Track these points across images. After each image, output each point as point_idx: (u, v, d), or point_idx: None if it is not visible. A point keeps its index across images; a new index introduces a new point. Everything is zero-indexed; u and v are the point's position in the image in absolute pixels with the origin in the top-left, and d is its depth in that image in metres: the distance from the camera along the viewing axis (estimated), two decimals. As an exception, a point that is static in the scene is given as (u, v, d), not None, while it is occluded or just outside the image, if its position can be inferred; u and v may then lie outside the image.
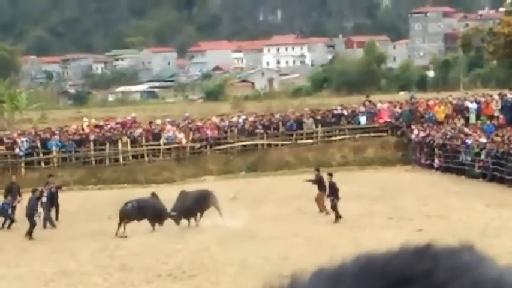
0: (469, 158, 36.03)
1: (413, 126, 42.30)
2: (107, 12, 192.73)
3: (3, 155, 40.84)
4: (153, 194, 27.70)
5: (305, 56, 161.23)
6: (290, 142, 43.04)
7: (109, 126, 44.05)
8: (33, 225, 26.41)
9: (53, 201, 29.38)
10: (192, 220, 27.00)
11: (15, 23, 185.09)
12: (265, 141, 42.99)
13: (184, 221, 26.85)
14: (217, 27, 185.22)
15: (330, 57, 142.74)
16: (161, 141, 42.17)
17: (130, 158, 41.71)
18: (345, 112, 44.52)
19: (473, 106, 43.16)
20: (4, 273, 21.22)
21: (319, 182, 28.13)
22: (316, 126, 43.59)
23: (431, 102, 45.07)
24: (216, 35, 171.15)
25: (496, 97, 43.83)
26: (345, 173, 34.31)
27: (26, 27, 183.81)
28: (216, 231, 24.88)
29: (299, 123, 43.62)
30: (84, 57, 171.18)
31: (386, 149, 42.59)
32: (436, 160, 38.69)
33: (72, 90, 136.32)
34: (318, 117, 44.10)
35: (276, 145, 43.00)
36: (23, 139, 41.43)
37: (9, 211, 28.62)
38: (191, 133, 42.68)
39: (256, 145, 42.91)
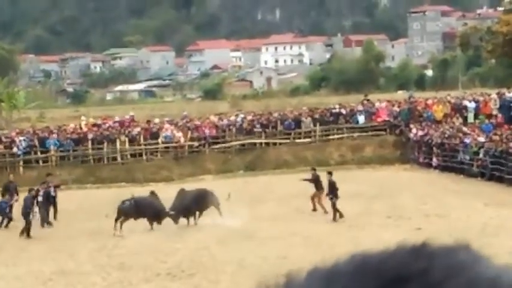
0: (467, 157, 36.04)
1: (411, 125, 42.31)
2: (105, 11, 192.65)
3: (2, 154, 40.79)
4: (152, 193, 27.68)
5: (303, 55, 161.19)
6: (288, 141, 43.03)
7: (107, 125, 44.03)
8: (28, 224, 26.35)
9: (49, 200, 29.35)
10: (191, 219, 27.00)
11: (14, 22, 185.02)
12: (263, 140, 42.99)
13: (183, 220, 26.85)
14: (216, 26, 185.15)
15: (328, 56, 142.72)
16: (159, 140, 42.16)
17: (129, 156, 41.71)
18: (343, 111, 44.52)
19: (471, 105, 43.17)
20: (2, 273, 21.21)
21: (315, 181, 28.16)
22: (315, 125, 43.58)
23: (429, 101, 45.07)
24: (215, 34, 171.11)
25: (495, 96, 43.86)
26: (343, 172, 34.29)
27: (25, 26, 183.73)
28: (214, 230, 24.87)
29: (297, 122, 43.62)
30: (82, 56, 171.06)
31: (385, 148, 42.60)
32: (435, 159, 38.69)
33: (70, 89, 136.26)
34: (316, 116, 44.09)
35: (274, 144, 43.00)
36: (21, 138, 41.41)
37: (7, 210, 28.63)
38: (189, 132, 42.67)
39: (255, 144, 42.90)
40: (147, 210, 26.50)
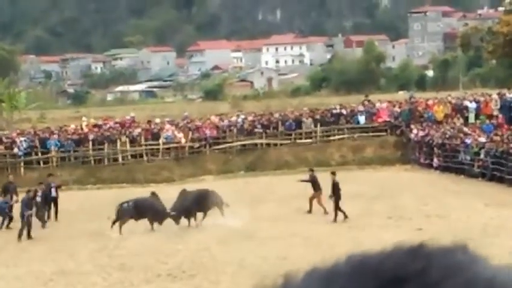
0: (468, 158, 36.03)
1: (412, 126, 42.30)
2: (106, 12, 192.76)
3: (2, 155, 40.82)
4: (153, 194, 27.65)
5: (304, 56, 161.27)
6: (289, 141, 43.03)
7: (108, 125, 44.04)
8: (23, 226, 26.29)
9: (47, 200, 29.33)
10: (192, 220, 26.96)
11: (15, 23, 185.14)
12: (264, 141, 42.99)
13: (184, 221, 26.83)
14: (217, 26, 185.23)
15: (329, 56, 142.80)
16: (160, 141, 42.16)
17: (129, 157, 41.70)
18: (344, 111, 44.51)
19: (472, 105, 43.17)
20: (3, 273, 21.20)
21: (313, 181, 28.17)
22: (315, 126, 43.58)
23: (430, 102, 45.06)
24: (215, 34, 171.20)
25: (495, 96, 43.84)
26: (344, 173, 34.24)
27: (25, 27, 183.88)
28: (215, 231, 24.87)
29: (298, 123, 43.61)
30: (83, 56, 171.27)
31: (386, 148, 42.59)
32: (435, 159, 38.69)
33: (71, 90, 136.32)
34: (317, 117, 44.09)
35: (275, 145, 42.99)
36: (22, 139, 41.42)
37: (7, 210, 28.63)
38: (190, 133, 42.67)
39: (256, 144, 42.90)
40: (147, 211, 26.49)
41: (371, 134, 43.38)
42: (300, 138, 43.25)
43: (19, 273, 21.03)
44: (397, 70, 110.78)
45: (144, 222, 26.43)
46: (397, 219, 25.86)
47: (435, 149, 38.85)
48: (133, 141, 42.06)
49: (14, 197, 29.75)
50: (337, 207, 26.12)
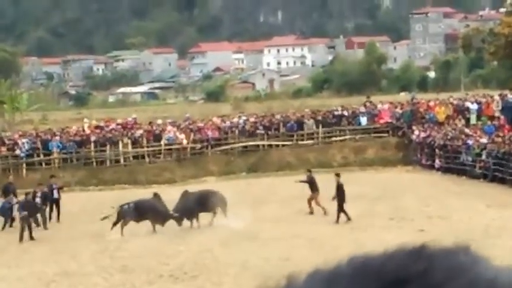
0: (469, 159, 36.02)
1: (414, 127, 42.30)
2: (107, 13, 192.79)
3: (4, 156, 40.88)
4: (155, 195, 27.61)
5: (306, 57, 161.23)
6: (291, 143, 43.03)
7: (110, 127, 44.05)
8: (23, 227, 26.27)
9: (46, 201, 29.31)
10: (194, 221, 26.94)
11: (16, 24, 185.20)
12: (266, 142, 42.99)
13: (186, 222, 26.80)
14: (218, 28, 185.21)
15: (330, 58, 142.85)
16: (162, 142, 42.17)
17: (131, 158, 41.71)
18: (345, 113, 44.51)
19: (473, 107, 43.16)
20: (5, 274, 21.21)
21: (310, 182, 28.19)
22: (317, 127, 43.58)
23: (432, 103, 45.07)
24: (217, 36, 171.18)
25: (497, 98, 43.84)
26: (345, 174, 34.17)
27: (27, 28, 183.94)
28: (217, 232, 24.87)
29: (300, 124, 43.61)
30: (85, 58, 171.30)
31: (387, 149, 42.58)
32: (437, 161, 38.68)
33: (72, 91, 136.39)
34: (319, 118, 44.10)
35: (277, 146, 42.99)
36: (24, 140, 41.45)
37: (8, 211, 28.65)
38: (192, 134, 42.69)
39: (257, 146, 42.91)
40: (148, 212, 26.46)
41: (373, 135, 43.37)
42: (302, 140, 43.24)
43: (21, 274, 21.04)
44: (398, 71, 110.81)
45: (146, 224, 26.41)
46: (399, 220, 25.86)
47: (437, 150, 38.85)
48: (135, 142, 42.07)
49: (14, 199, 29.76)
50: (341, 209, 26.08)
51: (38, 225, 27.94)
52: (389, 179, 36.37)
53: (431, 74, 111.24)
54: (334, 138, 43.43)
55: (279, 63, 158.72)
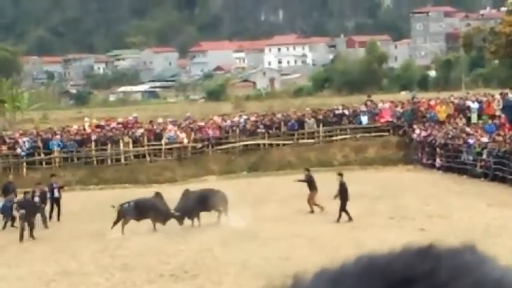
0: (470, 158, 36.02)
1: (414, 126, 42.31)
2: (108, 12, 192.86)
3: (5, 155, 40.89)
4: (157, 194, 27.62)
5: (306, 56, 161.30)
6: (292, 142, 43.04)
7: (110, 126, 44.07)
8: (22, 226, 26.25)
9: (45, 200, 29.29)
10: (195, 220, 26.95)
11: (17, 23, 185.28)
12: (266, 141, 43.00)
13: (187, 221, 26.81)
14: (219, 27, 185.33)
15: (331, 57, 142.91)
16: (163, 141, 42.18)
17: (132, 158, 41.73)
18: (346, 112, 44.53)
19: (474, 106, 43.17)
20: (5, 274, 21.20)
21: (309, 181, 28.23)
22: (318, 126, 43.59)
23: (432, 102, 45.07)
24: (217, 35, 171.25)
25: (498, 97, 43.86)
26: (346, 173, 34.13)
27: (28, 28, 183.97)
28: (217, 231, 24.87)
29: (300, 123, 43.62)
30: (85, 57, 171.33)
31: (388, 148, 42.59)
32: (438, 160, 38.69)
33: (73, 91, 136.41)
34: (320, 117, 44.11)
35: (278, 145, 43.00)
36: (25, 139, 41.47)
37: (9, 210, 28.65)
38: (192, 133, 42.70)
39: (258, 145, 42.92)
40: (148, 211, 26.46)
41: (373, 134, 43.39)
42: (303, 139, 43.26)
43: (21, 273, 21.04)
44: (399, 70, 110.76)
45: (146, 223, 26.43)
46: (399, 219, 25.86)
47: (437, 149, 38.85)
48: (135, 141, 42.09)
49: (15, 198, 29.77)
50: (343, 208, 26.08)
51: (33, 227, 27.97)
52: (390, 178, 36.38)
53: (432, 73, 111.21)
54: (334, 137, 43.44)
55: (279, 62, 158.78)
